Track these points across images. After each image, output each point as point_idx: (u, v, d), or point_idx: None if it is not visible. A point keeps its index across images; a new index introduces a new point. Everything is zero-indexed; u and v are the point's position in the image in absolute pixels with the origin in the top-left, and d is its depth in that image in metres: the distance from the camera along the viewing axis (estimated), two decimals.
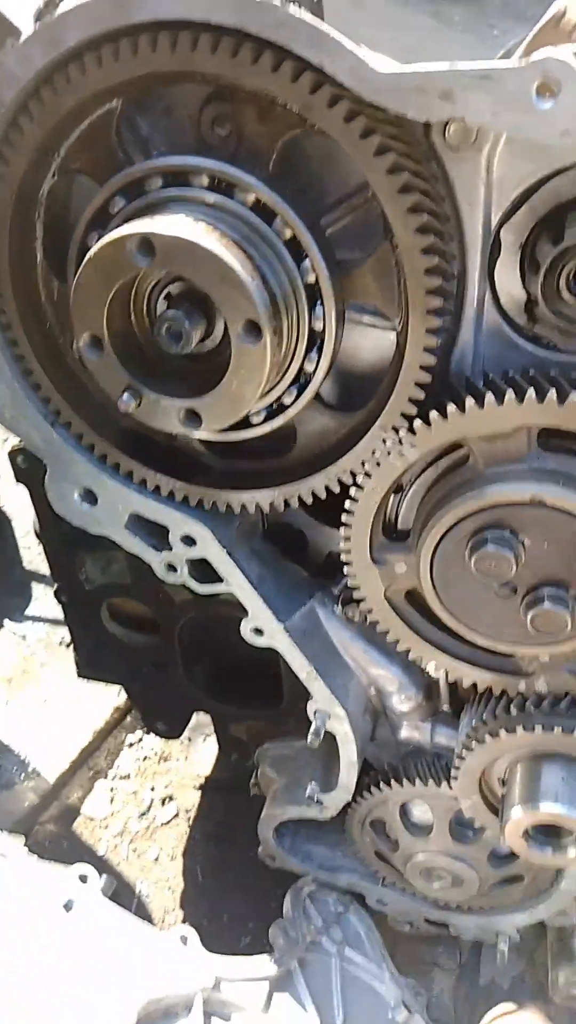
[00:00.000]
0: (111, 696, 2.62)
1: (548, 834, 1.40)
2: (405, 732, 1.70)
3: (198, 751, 2.69)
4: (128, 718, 2.67)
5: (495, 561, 1.16)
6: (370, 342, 1.22)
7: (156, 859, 2.49)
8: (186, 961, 1.56)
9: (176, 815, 2.57)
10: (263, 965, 1.70)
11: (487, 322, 1.17)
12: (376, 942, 1.92)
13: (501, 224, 1.08)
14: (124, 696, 2.54)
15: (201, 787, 2.62)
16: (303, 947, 1.80)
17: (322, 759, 1.76)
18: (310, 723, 1.69)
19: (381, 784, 1.67)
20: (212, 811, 2.61)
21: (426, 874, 1.73)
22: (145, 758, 2.65)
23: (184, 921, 2.45)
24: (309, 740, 1.52)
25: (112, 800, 2.55)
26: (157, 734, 2.13)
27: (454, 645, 1.39)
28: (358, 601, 1.45)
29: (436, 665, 1.41)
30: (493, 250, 1.11)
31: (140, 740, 2.66)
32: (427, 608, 1.37)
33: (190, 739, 2.72)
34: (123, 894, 2.44)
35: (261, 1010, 1.65)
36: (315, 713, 1.56)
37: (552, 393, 1.06)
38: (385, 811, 1.71)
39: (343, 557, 1.33)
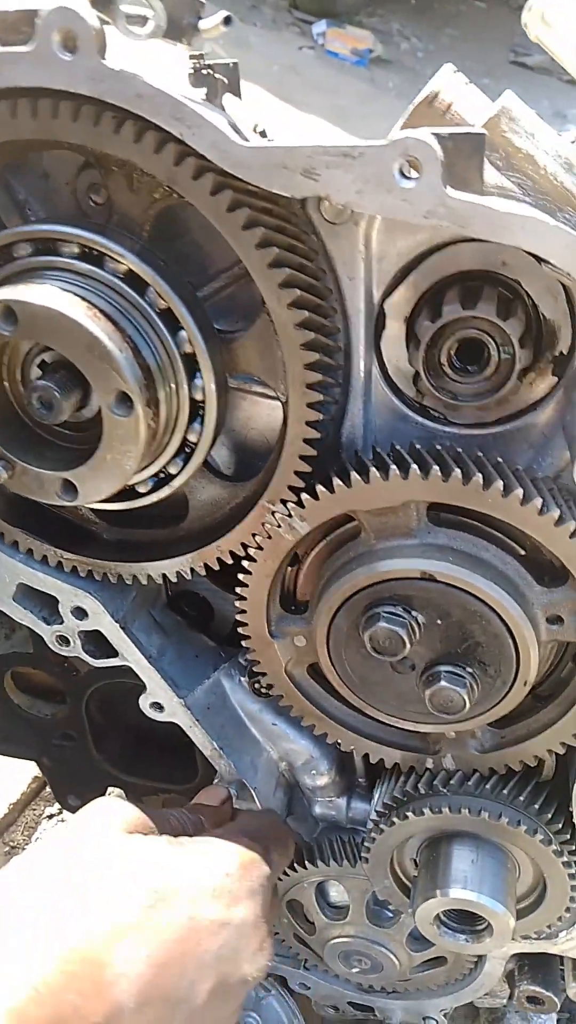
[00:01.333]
0: (29, 765, 2.49)
1: (461, 920, 1.34)
2: (320, 809, 1.63)
3: None
4: (48, 788, 2.54)
5: (388, 637, 1.11)
6: (260, 412, 1.19)
7: None
8: None
9: None
10: None
11: (376, 394, 1.14)
12: None
13: (384, 298, 1.06)
14: None
15: None
16: None
17: None
18: None
19: (296, 865, 1.59)
20: None
21: (345, 958, 1.64)
22: None
23: None
24: None
25: None
26: (70, 810, 2.02)
27: (359, 721, 1.34)
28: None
29: (341, 742, 1.35)
30: (378, 323, 1.10)
31: (60, 812, 2.53)
32: (330, 683, 1.32)
33: None
34: None
35: None
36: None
37: (436, 470, 1.03)
38: (301, 892, 1.63)
39: (241, 631, 1.27)
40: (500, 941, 1.29)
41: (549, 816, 1.28)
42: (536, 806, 1.28)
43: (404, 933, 1.58)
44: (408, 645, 1.11)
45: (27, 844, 2.45)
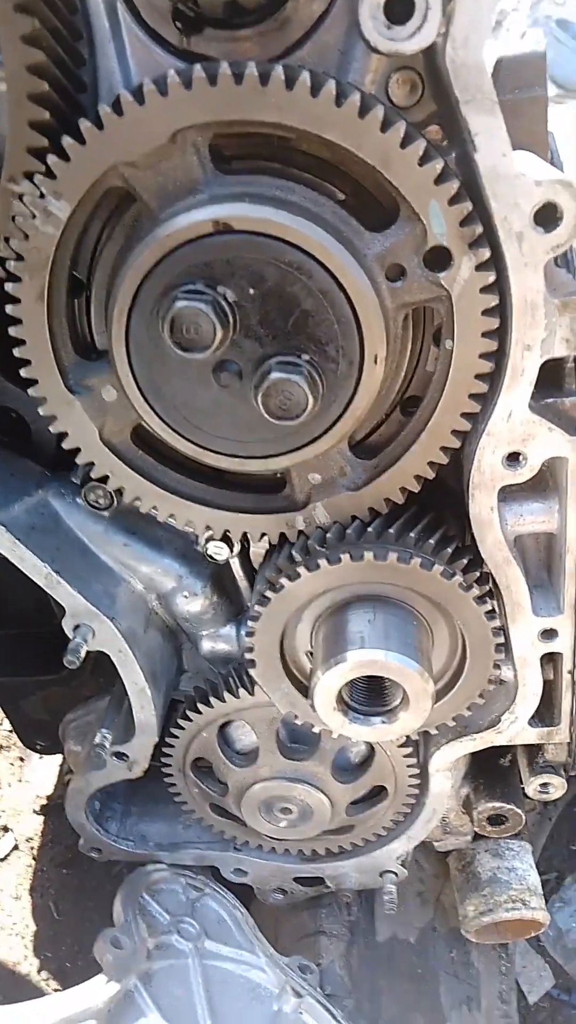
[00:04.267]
0: None
1: (370, 701, 1.11)
2: (207, 644, 1.39)
3: (33, 770, 2.28)
4: None
5: (192, 321, 0.87)
6: None
7: None
8: None
9: (15, 847, 2.16)
10: (86, 995, 1.33)
11: (132, 48, 0.90)
12: (243, 923, 1.57)
13: None
14: None
15: (43, 810, 2.22)
16: (142, 956, 1.43)
17: (119, 707, 1.42)
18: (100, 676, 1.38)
19: (189, 713, 1.35)
20: (60, 835, 2.20)
21: (267, 810, 1.41)
22: None
23: (41, 970, 2.03)
24: (66, 660, 1.19)
25: None
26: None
27: (207, 491, 1.10)
28: (102, 480, 1.15)
29: (194, 521, 1.12)
30: None
31: None
32: (164, 449, 1.08)
33: (22, 759, 2.31)
34: None
35: None
36: (75, 630, 1.23)
37: (199, 71, 0.80)
38: (203, 746, 1.39)
39: (32, 392, 1.02)
40: (420, 710, 1.07)
41: (450, 551, 1.07)
42: (431, 541, 1.06)
43: (327, 763, 1.35)
44: (219, 329, 0.87)
45: None
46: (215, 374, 0.94)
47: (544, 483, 1.07)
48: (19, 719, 1.72)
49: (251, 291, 0.89)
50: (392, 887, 1.54)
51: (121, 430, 1.06)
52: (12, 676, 1.58)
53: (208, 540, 1.28)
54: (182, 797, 1.48)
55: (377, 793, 1.44)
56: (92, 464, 1.08)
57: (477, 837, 1.64)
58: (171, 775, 1.44)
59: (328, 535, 1.07)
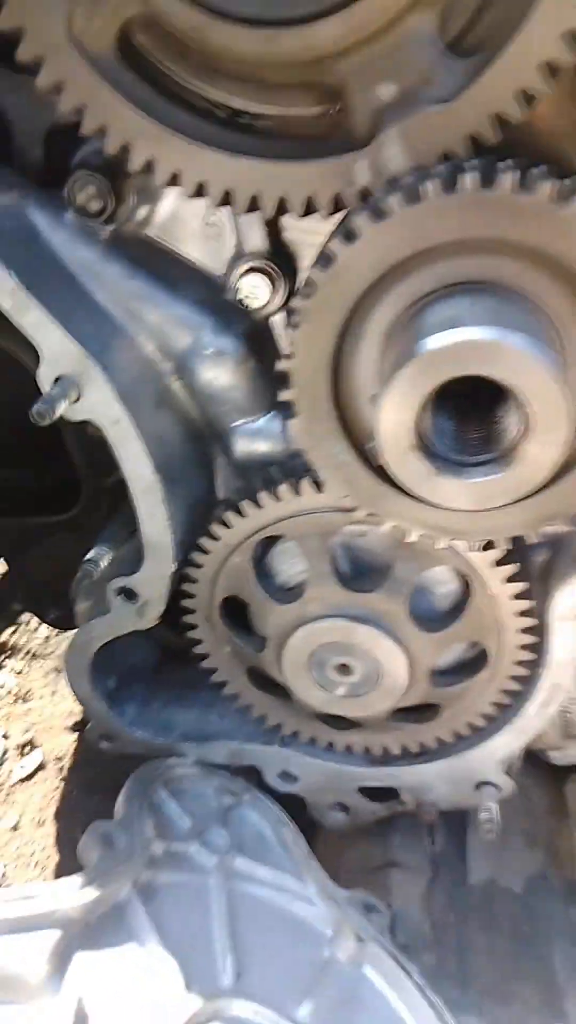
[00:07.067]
0: None
1: (471, 445, 0.72)
2: (242, 443, 1.02)
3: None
4: None
5: None
6: None
7: (15, 827, 1.76)
8: None
9: (41, 766, 1.85)
10: (49, 896, 0.97)
11: None
12: (291, 843, 1.19)
13: None
14: None
15: (76, 726, 1.91)
16: (141, 863, 1.06)
17: (127, 528, 1.08)
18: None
19: (215, 529, 0.99)
20: (94, 757, 1.88)
21: (319, 668, 1.02)
22: None
23: None
24: (35, 412, 0.85)
25: None
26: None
27: (230, 136, 0.75)
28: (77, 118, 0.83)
29: (211, 181, 0.76)
30: None
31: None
32: (165, 78, 0.73)
33: (58, 670, 2.01)
34: None
35: (44, 984, 0.91)
36: (54, 383, 0.89)
37: None
38: (234, 575, 1.02)
39: None
40: (553, 435, 0.67)
41: None
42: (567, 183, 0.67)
43: (401, 597, 0.95)
44: None
45: None
46: None
47: None
48: (27, 584, 1.41)
49: None
50: (493, 805, 1.13)
51: (101, 30, 0.72)
52: (10, 516, 1.27)
53: (242, 276, 0.93)
54: (211, 660, 1.11)
55: (473, 662, 1.03)
56: (61, 85, 0.74)
57: None
58: (195, 624, 1.08)
59: (405, 182, 0.70)
